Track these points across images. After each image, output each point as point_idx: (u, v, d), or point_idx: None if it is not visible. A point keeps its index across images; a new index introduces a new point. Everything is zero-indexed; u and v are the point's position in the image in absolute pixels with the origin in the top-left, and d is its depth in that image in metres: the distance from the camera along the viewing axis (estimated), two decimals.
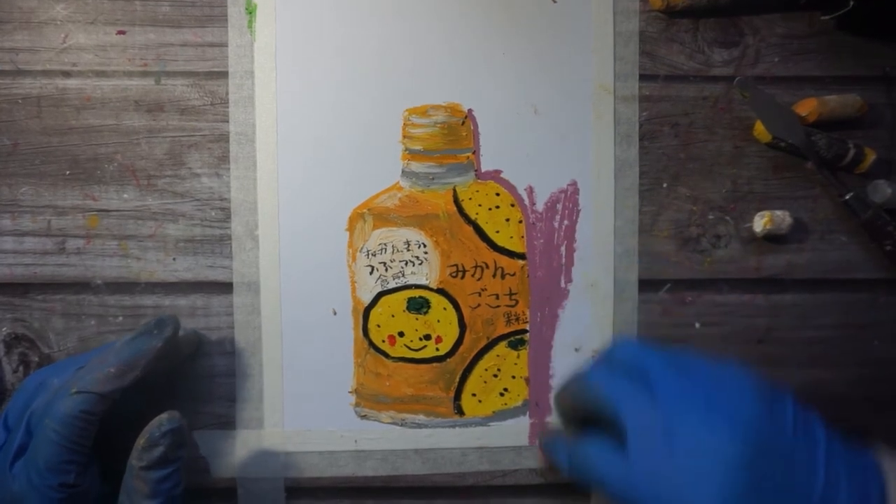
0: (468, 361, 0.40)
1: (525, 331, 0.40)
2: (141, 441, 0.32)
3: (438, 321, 0.40)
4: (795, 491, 0.28)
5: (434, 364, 0.40)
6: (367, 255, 0.40)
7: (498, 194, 0.40)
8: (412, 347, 0.40)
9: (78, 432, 0.31)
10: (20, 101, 0.39)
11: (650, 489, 0.30)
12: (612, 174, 0.40)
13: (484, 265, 0.40)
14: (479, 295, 0.40)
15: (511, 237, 0.40)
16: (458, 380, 0.40)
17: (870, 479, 0.29)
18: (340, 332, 0.40)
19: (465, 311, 0.40)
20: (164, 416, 0.32)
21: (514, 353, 0.40)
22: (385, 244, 0.40)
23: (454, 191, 0.40)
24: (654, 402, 0.30)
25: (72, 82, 0.39)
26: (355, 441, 0.40)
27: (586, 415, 0.33)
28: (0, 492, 0.32)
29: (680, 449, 0.29)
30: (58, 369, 0.35)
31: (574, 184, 0.40)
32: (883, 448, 0.30)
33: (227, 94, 0.39)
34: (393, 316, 0.40)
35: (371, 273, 0.40)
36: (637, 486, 0.30)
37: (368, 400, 0.40)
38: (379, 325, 0.40)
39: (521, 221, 0.40)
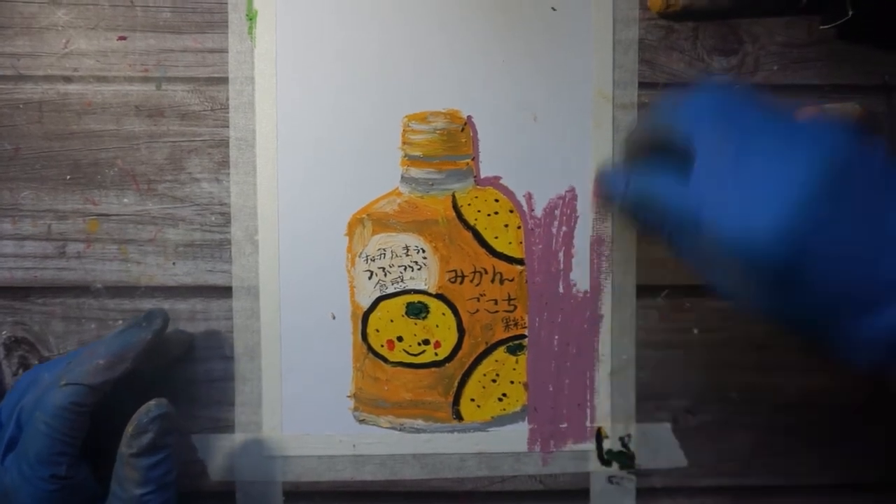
0: (467, 366, 0.40)
1: (524, 336, 0.40)
2: (129, 428, 0.32)
3: (437, 326, 0.40)
4: (869, 223, 0.26)
5: (433, 369, 0.40)
6: (367, 260, 0.40)
7: (497, 200, 0.40)
8: (411, 352, 0.40)
9: (68, 424, 0.31)
10: (21, 105, 0.39)
11: (715, 201, 0.27)
12: None
13: (483, 270, 0.40)
14: (478, 300, 0.40)
15: (510, 243, 0.40)
16: (456, 385, 0.40)
17: None
18: (339, 337, 0.40)
19: (464, 317, 0.40)
20: (151, 402, 0.32)
21: (513, 358, 0.40)
22: (384, 249, 0.40)
23: (453, 197, 0.40)
24: (731, 129, 0.28)
25: (73, 87, 0.39)
26: (354, 445, 0.40)
27: (655, 148, 0.32)
28: None
29: (752, 167, 0.27)
30: (50, 366, 0.35)
31: (572, 190, 0.40)
32: None
33: (227, 99, 0.39)
34: (392, 321, 0.40)
35: (370, 278, 0.40)
36: (698, 205, 0.28)
37: (367, 404, 0.40)
38: (378, 330, 0.40)
39: (519, 227, 0.40)
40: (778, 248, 0.26)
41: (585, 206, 0.40)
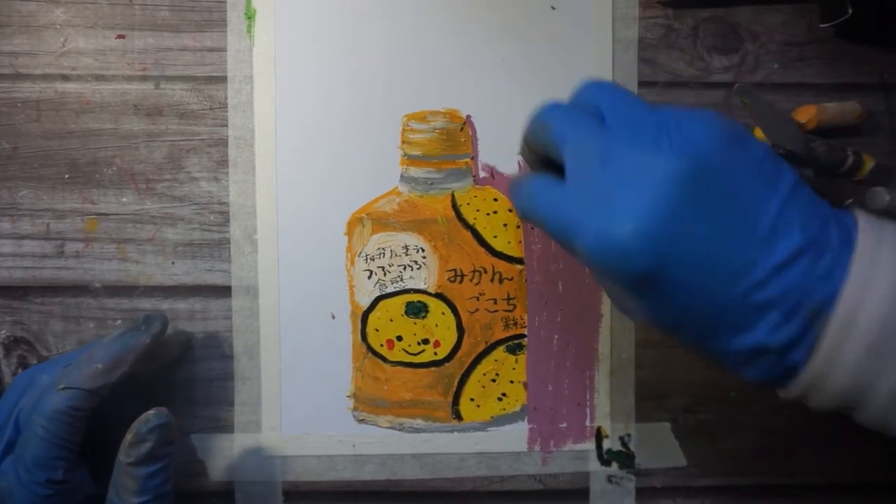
0: (466, 366, 0.40)
1: (523, 335, 0.40)
2: (128, 437, 0.32)
3: (437, 326, 0.40)
4: (737, 220, 0.25)
5: (432, 368, 0.40)
6: (366, 259, 0.40)
7: (496, 199, 0.40)
8: (410, 352, 0.40)
9: (65, 428, 0.31)
10: (20, 104, 0.39)
11: (580, 210, 0.26)
12: None
13: (482, 270, 0.40)
14: (478, 299, 0.40)
15: (509, 242, 0.40)
16: (456, 384, 0.40)
17: (834, 227, 0.26)
18: (339, 337, 0.40)
19: (464, 316, 0.40)
20: (151, 412, 0.32)
21: (513, 357, 0.40)
22: (384, 249, 0.40)
23: (452, 196, 0.40)
24: (599, 130, 0.27)
25: (71, 86, 0.39)
26: (353, 445, 0.40)
27: (543, 156, 0.31)
28: None
29: (617, 166, 0.26)
30: (47, 367, 0.35)
31: None
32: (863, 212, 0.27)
33: (225, 98, 0.39)
34: (391, 320, 0.40)
35: (369, 277, 0.40)
36: (568, 209, 0.27)
37: (366, 404, 0.40)
38: (377, 330, 0.40)
39: (518, 226, 0.40)
40: (636, 254, 0.25)
41: None
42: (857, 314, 0.25)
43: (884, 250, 0.25)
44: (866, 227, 0.26)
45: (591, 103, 0.29)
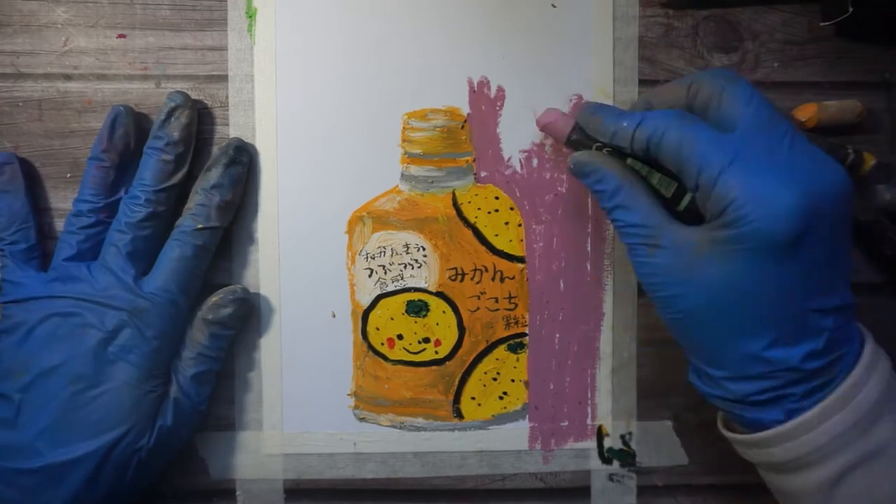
0: (467, 365, 0.40)
1: (524, 334, 0.40)
2: (213, 298, 0.37)
3: (437, 324, 0.40)
4: (836, 253, 0.30)
5: (433, 367, 0.40)
6: (367, 257, 0.40)
7: (497, 198, 0.40)
8: (411, 350, 0.40)
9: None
10: (21, 104, 0.39)
11: (744, 169, 0.29)
12: None
13: (483, 268, 0.40)
14: (479, 298, 0.40)
15: (510, 240, 0.40)
16: (457, 383, 0.40)
17: (854, 324, 0.31)
18: (339, 335, 0.40)
19: (465, 315, 0.40)
20: (238, 286, 0.38)
21: (514, 356, 0.40)
22: (384, 247, 0.40)
23: (453, 194, 0.40)
24: (779, 118, 0.31)
25: (73, 85, 0.39)
26: (354, 444, 0.40)
27: (686, 105, 0.33)
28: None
29: (798, 154, 0.30)
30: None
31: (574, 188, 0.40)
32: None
33: (227, 97, 0.39)
34: (392, 319, 0.40)
35: (370, 276, 0.40)
36: (729, 159, 0.29)
37: (367, 403, 0.40)
38: (378, 328, 0.40)
39: (520, 225, 0.40)
40: (799, 217, 0.28)
41: (587, 203, 0.40)
42: (849, 401, 0.29)
43: (877, 369, 0.30)
44: (870, 343, 0.31)
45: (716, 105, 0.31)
